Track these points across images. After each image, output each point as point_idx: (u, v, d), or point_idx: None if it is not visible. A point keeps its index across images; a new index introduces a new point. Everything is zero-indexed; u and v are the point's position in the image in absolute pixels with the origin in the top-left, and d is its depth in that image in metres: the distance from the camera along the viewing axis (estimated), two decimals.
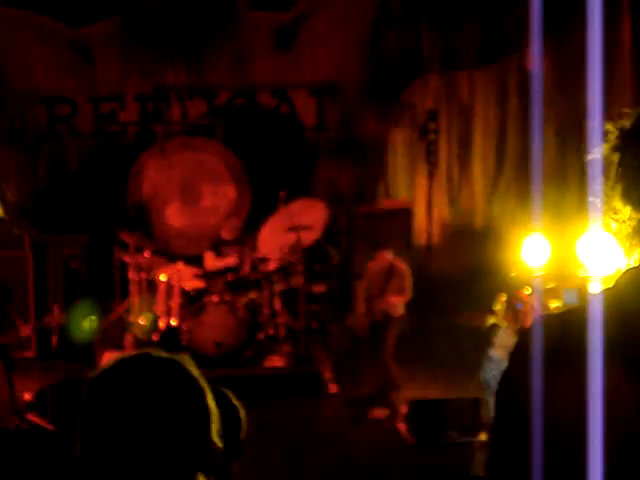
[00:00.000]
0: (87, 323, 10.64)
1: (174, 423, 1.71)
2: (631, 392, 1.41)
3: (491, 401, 7.29)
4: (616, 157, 1.55)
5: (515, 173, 12.26)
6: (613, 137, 1.56)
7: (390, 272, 9.48)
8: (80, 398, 1.76)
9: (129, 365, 1.79)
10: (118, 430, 1.69)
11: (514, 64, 11.81)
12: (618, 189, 1.54)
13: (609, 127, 1.56)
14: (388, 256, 9.61)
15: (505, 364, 1.60)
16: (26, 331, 10.34)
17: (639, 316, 1.46)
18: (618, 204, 1.54)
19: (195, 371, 1.81)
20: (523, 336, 1.62)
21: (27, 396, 8.64)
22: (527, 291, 9.30)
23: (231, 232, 10.48)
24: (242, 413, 3.24)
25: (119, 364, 1.79)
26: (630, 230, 1.53)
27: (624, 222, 1.54)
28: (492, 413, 1.67)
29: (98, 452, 1.70)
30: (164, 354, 1.82)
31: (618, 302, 1.48)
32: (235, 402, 3.23)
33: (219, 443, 1.78)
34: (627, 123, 1.55)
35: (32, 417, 8.35)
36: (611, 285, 1.52)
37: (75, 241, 11.48)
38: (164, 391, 1.73)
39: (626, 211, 1.53)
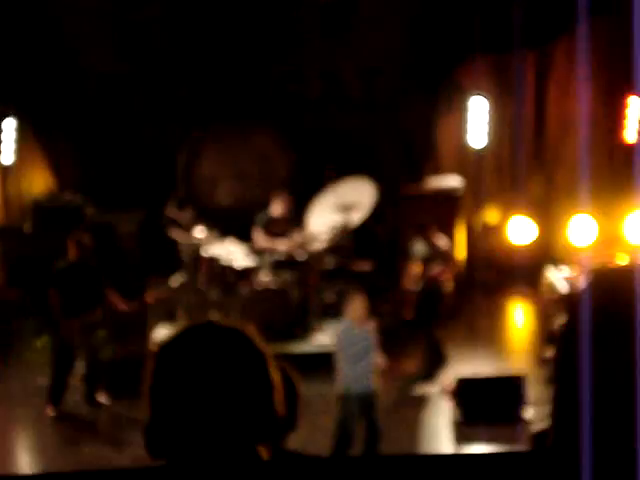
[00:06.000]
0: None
1: (239, 390, 1.77)
2: None
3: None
4: None
5: (563, 154, 12.24)
6: None
7: (437, 251, 9.58)
8: (146, 367, 1.80)
9: (196, 333, 1.84)
10: (187, 396, 1.76)
11: (563, 46, 11.75)
12: None
13: None
14: (435, 236, 9.71)
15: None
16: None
17: None
18: None
19: (258, 340, 1.86)
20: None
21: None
22: (574, 271, 9.36)
23: (281, 211, 10.56)
24: (298, 385, 3.30)
25: (186, 332, 1.84)
26: None
27: None
28: None
29: (167, 418, 1.77)
30: (227, 323, 1.87)
31: None
32: (292, 375, 3.29)
33: (281, 412, 1.82)
34: None
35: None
36: None
37: (129, 219, 11.70)
38: (229, 359, 1.80)
39: None
